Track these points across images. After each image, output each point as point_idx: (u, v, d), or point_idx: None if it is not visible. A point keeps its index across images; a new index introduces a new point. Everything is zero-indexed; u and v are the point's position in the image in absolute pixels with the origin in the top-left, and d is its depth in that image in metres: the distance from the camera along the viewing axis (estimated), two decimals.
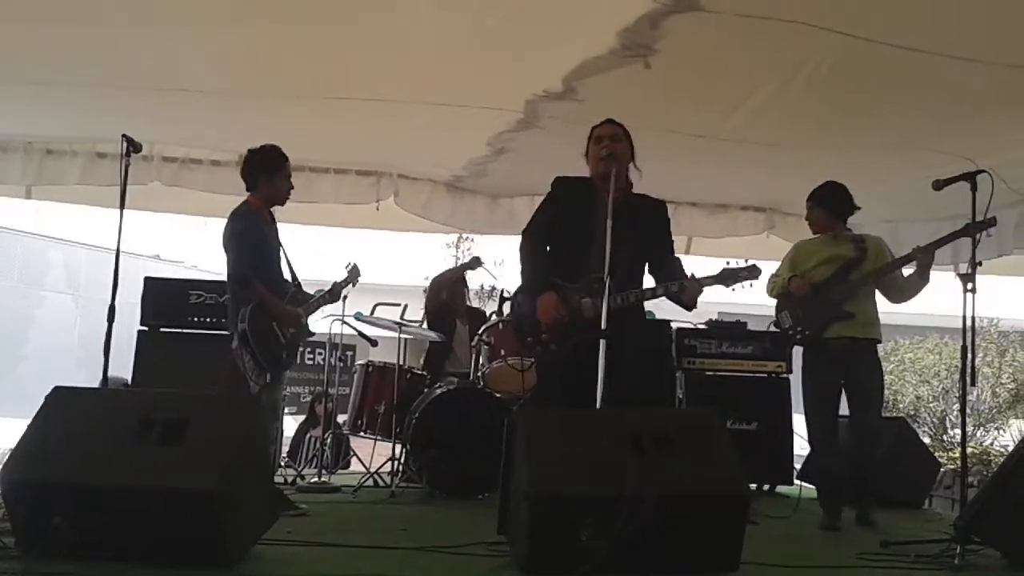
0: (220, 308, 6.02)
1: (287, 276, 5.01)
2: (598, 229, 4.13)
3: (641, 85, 4.79)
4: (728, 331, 6.79)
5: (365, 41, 4.66)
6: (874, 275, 5.03)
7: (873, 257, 5.07)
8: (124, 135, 4.40)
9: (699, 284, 4.19)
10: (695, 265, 4.55)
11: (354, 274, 5.45)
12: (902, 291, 5.10)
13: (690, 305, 4.27)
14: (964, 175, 4.25)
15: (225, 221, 4.84)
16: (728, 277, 4.28)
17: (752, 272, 4.34)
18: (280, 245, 5.01)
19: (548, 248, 4.47)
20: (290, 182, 4.98)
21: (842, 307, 4.98)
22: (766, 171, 6.46)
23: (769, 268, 5.42)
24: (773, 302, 5.32)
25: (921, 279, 5.01)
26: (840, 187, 5.16)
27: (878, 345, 5.13)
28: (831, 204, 5.15)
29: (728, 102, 5.10)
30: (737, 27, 4.14)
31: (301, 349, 9.78)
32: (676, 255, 4.46)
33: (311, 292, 5.17)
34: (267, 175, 4.86)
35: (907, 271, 5.14)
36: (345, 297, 5.59)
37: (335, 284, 5.33)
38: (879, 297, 5.16)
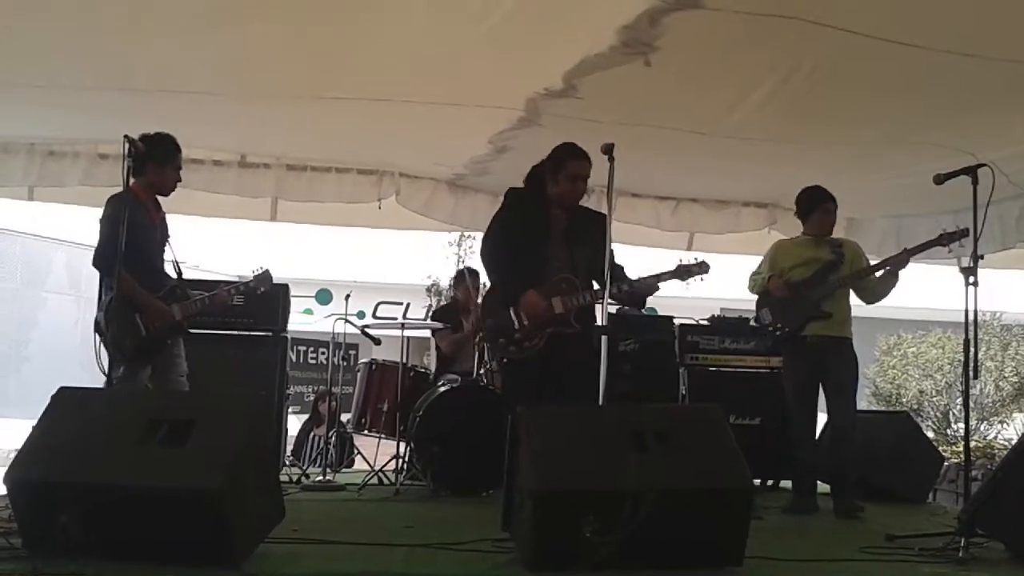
0: (223, 307, 5.99)
1: (173, 271, 4.83)
2: (553, 238, 4.69)
3: (642, 82, 4.79)
4: (731, 327, 6.79)
5: (365, 40, 4.66)
6: (851, 278, 5.26)
7: (850, 260, 5.30)
8: (126, 136, 4.39)
9: (656, 281, 4.66)
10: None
11: (262, 280, 5.15)
12: (875, 292, 5.33)
13: (635, 304, 4.82)
14: (965, 169, 4.27)
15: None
16: (683, 273, 4.75)
17: (702, 268, 4.76)
18: (166, 237, 4.85)
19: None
20: (179, 174, 4.85)
21: (820, 307, 5.20)
22: (768, 167, 6.46)
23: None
24: None
25: (893, 277, 5.23)
26: None
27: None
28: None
29: (729, 98, 5.10)
30: (737, 24, 4.14)
31: (304, 348, 9.82)
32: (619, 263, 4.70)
33: (198, 290, 5.01)
34: (158, 163, 4.71)
35: (879, 272, 5.34)
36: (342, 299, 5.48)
37: (224, 289, 5.08)
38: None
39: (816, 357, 5.21)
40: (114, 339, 4.37)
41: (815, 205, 5.35)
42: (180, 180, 4.87)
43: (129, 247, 4.30)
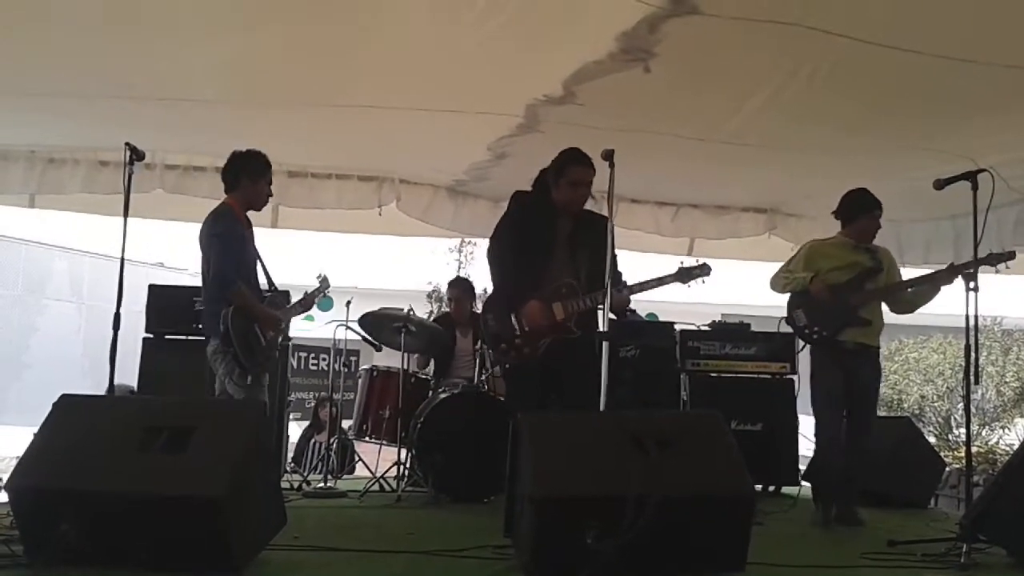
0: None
1: (263, 281, 4.97)
2: (557, 243, 4.72)
3: (641, 88, 4.80)
4: (732, 332, 6.79)
5: (366, 48, 4.67)
6: (888, 290, 5.19)
7: (887, 269, 5.23)
8: (127, 143, 4.41)
9: (656, 285, 4.72)
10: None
11: (324, 284, 5.51)
12: (912, 304, 5.25)
13: (617, 312, 4.64)
14: (965, 174, 4.27)
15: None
16: (684, 275, 4.79)
17: (704, 270, 4.81)
18: (256, 250, 4.96)
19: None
20: (270, 189, 4.98)
21: (859, 313, 5.11)
22: (767, 173, 6.46)
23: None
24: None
25: (933, 290, 5.14)
26: None
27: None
28: None
29: (728, 104, 5.11)
30: (736, 30, 4.14)
31: (305, 354, 9.84)
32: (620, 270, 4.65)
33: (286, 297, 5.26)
34: (250, 178, 4.83)
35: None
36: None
37: (307, 294, 5.33)
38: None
39: (849, 363, 5.10)
40: (243, 350, 4.59)
41: (863, 211, 5.17)
42: (272, 195, 5.03)
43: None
